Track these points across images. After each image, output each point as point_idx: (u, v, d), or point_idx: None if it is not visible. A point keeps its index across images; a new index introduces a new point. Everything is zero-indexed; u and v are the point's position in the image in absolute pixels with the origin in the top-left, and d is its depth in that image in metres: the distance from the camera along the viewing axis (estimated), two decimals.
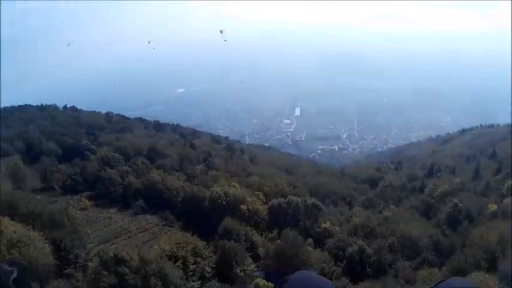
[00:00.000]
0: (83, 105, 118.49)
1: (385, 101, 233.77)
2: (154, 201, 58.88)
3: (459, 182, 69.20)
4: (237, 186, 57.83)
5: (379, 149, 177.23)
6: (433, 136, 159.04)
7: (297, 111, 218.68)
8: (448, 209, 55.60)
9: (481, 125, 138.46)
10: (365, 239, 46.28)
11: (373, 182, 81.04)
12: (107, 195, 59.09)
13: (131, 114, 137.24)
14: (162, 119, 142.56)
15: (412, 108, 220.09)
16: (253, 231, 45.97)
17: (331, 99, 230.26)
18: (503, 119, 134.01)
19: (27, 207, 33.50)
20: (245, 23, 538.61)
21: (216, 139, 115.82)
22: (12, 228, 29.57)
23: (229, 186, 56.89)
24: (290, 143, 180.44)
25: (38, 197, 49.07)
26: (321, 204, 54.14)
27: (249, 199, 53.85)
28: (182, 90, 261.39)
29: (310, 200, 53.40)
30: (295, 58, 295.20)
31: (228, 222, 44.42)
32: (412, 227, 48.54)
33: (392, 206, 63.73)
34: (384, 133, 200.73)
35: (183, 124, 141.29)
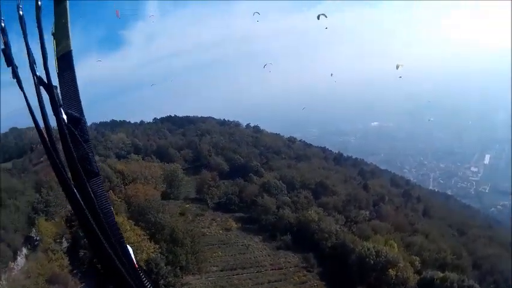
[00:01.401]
0: (271, 127, 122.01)
1: None
2: (303, 239, 55.58)
3: None
4: (395, 245, 51.93)
5: None
6: None
7: (487, 159, 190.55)
8: None
9: None
10: None
11: None
12: (257, 221, 58.16)
13: (320, 142, 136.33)
14: (350, 151, 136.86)
15: None
16: None
17: None
18: None
19: (155, 216, 34.39)
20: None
21: (395, 181, 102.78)
22: (131, 233, 29.98)
23: (385, 244, 51.54)
24: (473, 193, 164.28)
25: (187, 205, 51.41)
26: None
27: (401, 264, 46.58)
28: (376, 124, 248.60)
29: (468, 281, 43.39)
30: (491, 97, 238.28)
31: None
32: None
33: None
34: None
35: (371, 159, 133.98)
